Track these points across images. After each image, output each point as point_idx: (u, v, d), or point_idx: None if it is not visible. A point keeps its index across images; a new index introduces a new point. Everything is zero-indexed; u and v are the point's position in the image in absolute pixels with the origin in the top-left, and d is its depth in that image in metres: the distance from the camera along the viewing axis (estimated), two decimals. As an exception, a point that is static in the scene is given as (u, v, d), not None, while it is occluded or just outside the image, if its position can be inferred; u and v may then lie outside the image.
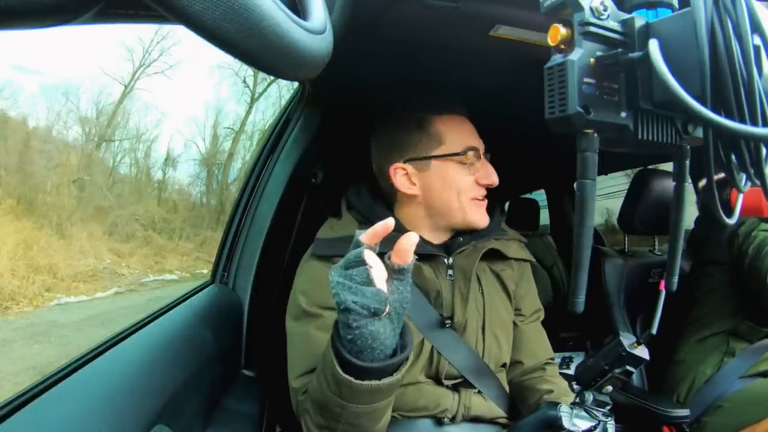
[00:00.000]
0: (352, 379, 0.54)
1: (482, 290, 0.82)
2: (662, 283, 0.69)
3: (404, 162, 0.80)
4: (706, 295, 1.24)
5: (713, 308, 1.22)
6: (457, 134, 0.80)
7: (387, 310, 0.52)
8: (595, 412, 0.66)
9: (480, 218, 0.81)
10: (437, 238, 0.83)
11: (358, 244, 0.53)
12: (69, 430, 0.43)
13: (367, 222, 0.81)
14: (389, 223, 0.54)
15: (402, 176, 0.81)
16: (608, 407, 0.68)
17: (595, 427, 0.65)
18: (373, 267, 0.52)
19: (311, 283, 0.77)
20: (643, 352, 0.67)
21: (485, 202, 0.82)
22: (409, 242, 0.54)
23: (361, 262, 0.52)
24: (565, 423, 0.65)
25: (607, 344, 0.69)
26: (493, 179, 0.80)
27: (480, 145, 0.81)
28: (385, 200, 0.86)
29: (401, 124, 0.81)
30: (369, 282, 0.51)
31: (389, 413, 0.65)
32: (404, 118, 0.81)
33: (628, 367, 0.68)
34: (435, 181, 0.79)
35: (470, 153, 0.79)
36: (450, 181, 0.79)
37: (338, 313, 0.52)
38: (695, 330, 1.24)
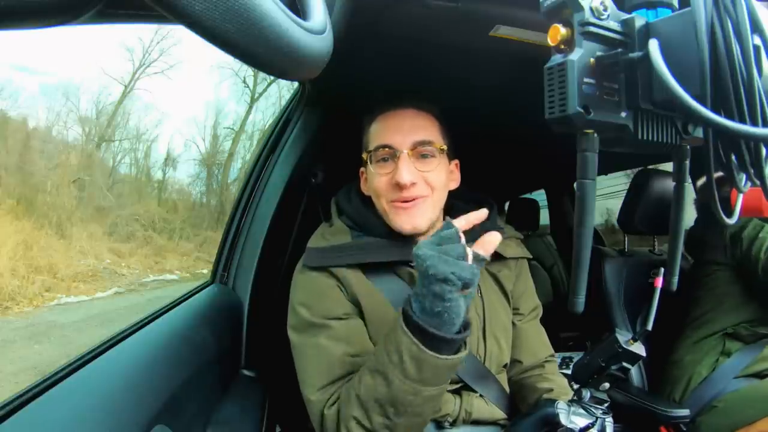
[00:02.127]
0: (436, 355, 0.56)
1: (480, 293, 0.82)
2: (657, 281, 0.70)
3: (363, 165, 0.82)
4: (706, 294, 1.25)
5: (712, 308, 1.23)
6: (379, 132, 0.77)
7: (471, 288, 0.56)
8: (592, 409, 0.67)
9: (400, 223, 0.74)
10: None
11: (450, 226, 0.58)
12: (69, 430, 0.43)
13: (358, 228, 0.80)
14: (483, 212, 0.64)
15: (364, 179, 0.84)
16: (606, 404, 0.68)
17: (592, 424, 0.65)
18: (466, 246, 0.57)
19: (311, 295, 0.76)
20: (639, 348, 0.68)
21: (407, 206, 0.74)
22: (495, 237, 0.62)
23: (457, 239, 0.57)
24: (563, 420, 0.65)
25: (603, 341, 0.69)
26: (397, 178, 0.72)
27: (397, 141, 0.74)
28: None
29: (363, 130, 0.83)
30: (464, 257, 0.55)
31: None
32: (363, 123, 0.83)
33: (625, 364, 0.68)
34: (369, 183, 0.80)
35: (379, 151, 0.75)
36: (371, 183, 0.78)
37: (430, 286, 0.54)
38: (694, 329, 1.24)
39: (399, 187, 0.73)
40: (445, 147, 0.77)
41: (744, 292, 1.18)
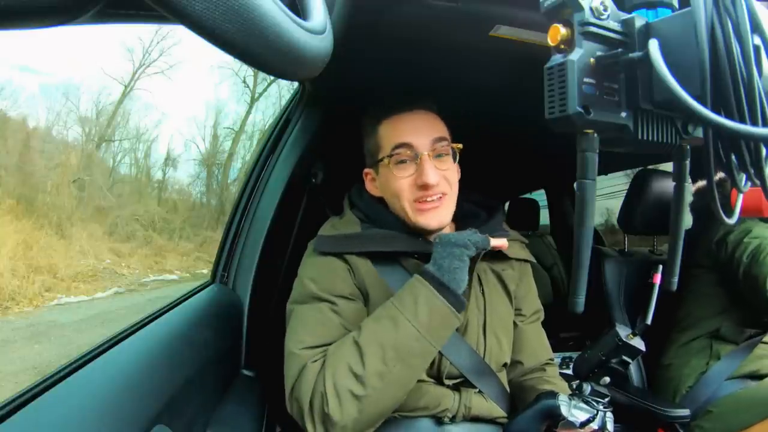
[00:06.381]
0: (447, 303, 0.66)
1: (483, 290, 0.82)
2: (656, 277, 0.71)
3: (369, 167, 0.84)
4: (691, 297, 1.25)
5: (696, 309, 1.23)
6: (391, 135, 0.79)
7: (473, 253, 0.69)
8: (593, 403, 0.67)
9: (427, 221, 0.77)
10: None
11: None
12: (69, 430, 0.43)
13: (369, 221, 0.82)
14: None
15: (370, 180, 0.85)
16: (607, 399, 0.68)
17: (593, 418, 0.65)
18: None
19: (320, 272, 0.77)
20: (638, 343, 0.68)
21: (434, 204, 0.77)
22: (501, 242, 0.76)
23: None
24: (564, 412, 0.66)
25: (603, 336, 0.70)
26: (425, 179, 0.74)
27: (418, 141, 0.76)
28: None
29: (365, 131, 0.84)
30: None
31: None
32: (366, 125, 0.84)
33: (625, 358, 0.69)
34: (383, 185, 0.81)
35: (399, 151, 0.76)
36: (389, 185, 0.79)
37: (450, 249, 0.68)
38: (680, 332, 1.25)
39: (425, 187, 0.75)
40: (460, 146, 0.81)
41: (728, 295, 1.19)
